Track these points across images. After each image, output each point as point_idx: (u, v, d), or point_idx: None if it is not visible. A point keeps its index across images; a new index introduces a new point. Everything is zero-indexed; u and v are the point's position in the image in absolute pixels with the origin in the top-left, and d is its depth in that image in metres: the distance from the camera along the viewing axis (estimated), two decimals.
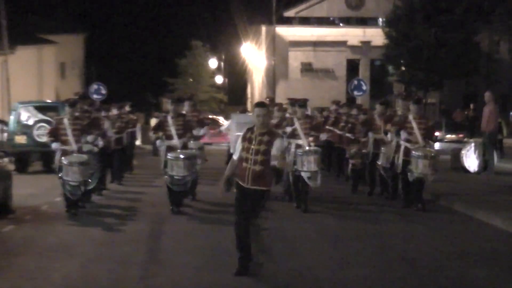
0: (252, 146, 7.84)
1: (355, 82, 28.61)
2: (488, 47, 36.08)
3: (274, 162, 7.74)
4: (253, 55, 51.55)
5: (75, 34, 50.36)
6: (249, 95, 54.95)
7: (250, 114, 17.96)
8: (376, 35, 40.71)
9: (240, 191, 8.19)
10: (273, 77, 45.38)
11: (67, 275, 8.02)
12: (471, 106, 27.34)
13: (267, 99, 21.19)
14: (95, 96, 24.59)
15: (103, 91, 24.74)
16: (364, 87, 28.22)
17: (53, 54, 44.78)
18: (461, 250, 9.54)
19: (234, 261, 8.29)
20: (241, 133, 11.72)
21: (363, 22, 46.46)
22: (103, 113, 16.54)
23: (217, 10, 54.15)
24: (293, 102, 14.27)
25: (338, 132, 18.20)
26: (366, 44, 44.72)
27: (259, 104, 8.09)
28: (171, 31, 57.62)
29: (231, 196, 11.03)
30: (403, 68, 35.22)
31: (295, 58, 47.56)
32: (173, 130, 13.03)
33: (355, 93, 26.68)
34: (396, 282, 7.81)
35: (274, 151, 7.63)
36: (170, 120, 13.20)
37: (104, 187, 15.99)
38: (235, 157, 8.30)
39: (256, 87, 51.25)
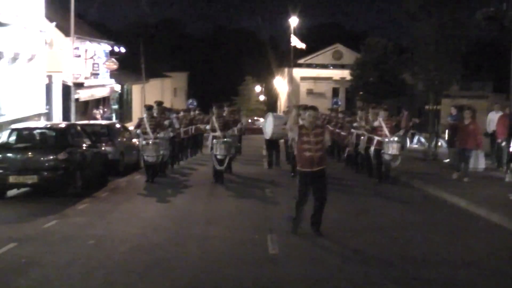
0: (311, 139, 9.36)
1: (335, 100, 39.81)
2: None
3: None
4: (280, 84, 65.79)
5: (182, 72, 66.74)
6: (278, 106, 67.75)
7: (280, 114, 22.04)
8: (348, 75, 52.88)
9: (306, 175, 9.37)
10: (291, 97, 56.78)
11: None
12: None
13: (288, 107, 26.47)
14: (190, 106, 29.18)
15: (195, 103, 30.15)
16: (339, 103, 39.17)
17: (170, 83, 60.61)
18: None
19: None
20: (274, 124, 17.61)
21: (342, 67, 59.42)
22: (174, 115, 20.44)
23: (261, 57, 68.32)
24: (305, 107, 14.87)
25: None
26: (342, 79, 58.06)
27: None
28: (234, 70, 74.43)
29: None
30: (361, 93, 44.92)
31: (303, 87, 62.40)
32: (216, 125, 16.11)
33: (334, 106, 33.23)
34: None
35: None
36: (214, 119, 16.32)
37: (174, 163, 19.50)
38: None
39: (282, 102, 65.18)
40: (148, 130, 16.30)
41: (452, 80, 24.39)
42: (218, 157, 15.93)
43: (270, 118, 19.00)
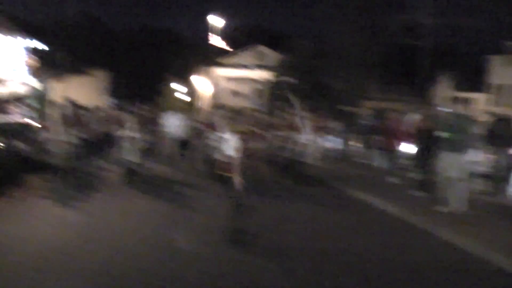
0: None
1: (255, 100, 47.66)
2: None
3: None
4: (204, 83, 64.90)
5: (105, 70, 65.11)
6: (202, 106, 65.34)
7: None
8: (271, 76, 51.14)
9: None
10: (214, 96, 59.35)
11: None
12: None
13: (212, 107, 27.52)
14: (111, 104, 31.85)
15: (116, 102, 34.05)
16: (260, 103, 43.30)
17: (92, 81, 60.42)
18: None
19: None
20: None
21: (264, 67, 58.66)
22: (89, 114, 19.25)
23: (184, 58, 67.87)
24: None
25: None
26: (266, 80, 54.78)
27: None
28: (158, 70, 73.18)
29: None
30: (277, 92, 40.95)
31: (226, 87, 64.04)
32: (130, 125, 15.68)
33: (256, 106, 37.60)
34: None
35: None
36: (127, 117, 15.92)
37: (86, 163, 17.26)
38: None
39: (205, 102, 63.51)
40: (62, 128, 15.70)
41: (369, 84, 24.95)
42: (131, 158, 15.52)
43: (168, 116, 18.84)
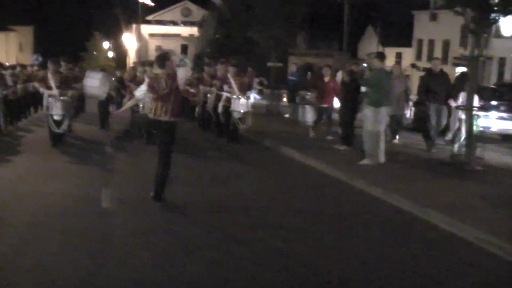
0: None
1: (181, 56, 55.34)
2: None
3: None
4: (129, 41, 64.12)
5: (28, 25, 64.93)
6: (127, 63, 64.08)
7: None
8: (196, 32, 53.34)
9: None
10: (140, 53, 58.14)
11: None
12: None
13: (134, 63, 25.53)
14: (35, 62, 30.18)
15: (40, 59, 31.23)
16: (186, 60, 54.65)
17: (15, 37, 60.33)
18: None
19: None
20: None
21: (191, 23, 59.62)
22: (9, 70, 19.06)
23: (109, 13, 65.17)
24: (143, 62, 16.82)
25: None
26: (191, 36, 57.70)
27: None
28: (82, 25, 71.90)
29: None
30: (208, 50, 42.10)
31: (152, 43, 63.07)
32: (52, 83, 14.43)
33: (181, 63, 47.93)
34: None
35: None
36: (49, 75, 14.59)
37: (8, 124, 17.47)
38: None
39: (131, 59, 61.95)
40: None
41: (294, 39, 25.03)
42: (55, 117, 14.25)
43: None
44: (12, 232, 7.41)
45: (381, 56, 12.72)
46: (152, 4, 51.10)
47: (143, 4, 50.96)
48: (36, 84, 15.77)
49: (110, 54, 75.19)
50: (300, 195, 10.22)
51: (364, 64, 14.89)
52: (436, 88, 14.53)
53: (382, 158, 12.44)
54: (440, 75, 14.97)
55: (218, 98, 16.41)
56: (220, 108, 16.12)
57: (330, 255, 6.93)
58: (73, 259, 6.47)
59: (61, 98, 14.44)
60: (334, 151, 14.36)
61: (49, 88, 14.56)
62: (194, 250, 6.83)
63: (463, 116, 13.13)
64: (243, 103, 15.33)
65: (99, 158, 13.62)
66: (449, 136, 14.87)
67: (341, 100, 15.26)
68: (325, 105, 16.34)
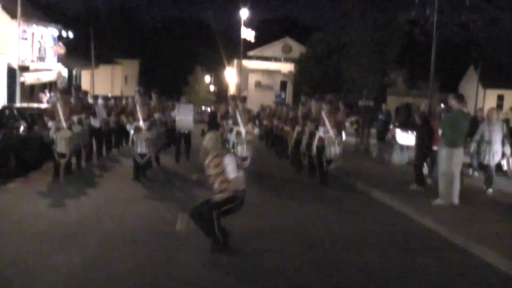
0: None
1: (279, 93, 46.95)
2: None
3: None
4: (230, 75, 66.43)
5: (133, 59, 66.90)
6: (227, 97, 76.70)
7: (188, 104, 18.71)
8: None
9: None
10: (239, 88, 58.80)
11: None
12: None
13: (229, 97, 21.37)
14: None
15: (142, 90, 38.27)
16: (283, 96, 45.99)
17: (120, 70, 62.17)
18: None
19: None
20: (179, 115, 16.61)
21: (291, 60, 59.13)
22: (100, 101, 19.40)
23: (211, 48, 69.90)
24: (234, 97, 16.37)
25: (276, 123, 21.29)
26: (291, 73, 56.32)
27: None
28: (185, 60, 74.78)
29: None
30: (304, 86, 43.98)
31: (252, 78, 64.32)
32: (140, 115, 14.31)
33: (278, 99, 37.91)
34: None
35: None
36: (137, 107, 14.40)
37: (100, 155, 17.93)
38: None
39: (231, 93, 61.34)
40: (62, 117, 14.17)
41: (386, 77, 25.23)
42: (139, 152, 14.27)
43: (177, 108, 18.24)
44: (86, 247, 8.22)
45: (459, 97, 12.73)
46: (253, 40, 52.38)
47: (246, 40, 52.40)
48: (124, 119, 15.56)
49: (211, 88, 77.61)
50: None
51: (442, 105, 14.82)
52: None
53: (456, 199, 12.50)
54: None
55: (311, 137, 15.99)
56: (314, 149, 15.55)
57: None
58: (137, 270, 7.29)
59: (148, 134, 14.40)
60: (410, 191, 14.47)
61: (136, 120, 14.55)
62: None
63: None
64: (335, 147, 15.06)
65: (182, 184, 14.13)
66: None
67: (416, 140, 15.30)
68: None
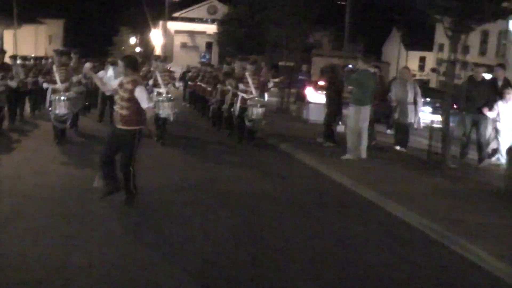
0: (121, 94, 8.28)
1: (202, 54, 46.15)
2: None
3: None
4: (156, 36, 64.90)
5: (58, 18, 64.40)
6: None
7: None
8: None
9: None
10: (165, 49, 59.42)
11: None
12: None
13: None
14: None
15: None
16: (207, 57, 44.84)
17: (44, 30, 59.60)
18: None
19: None
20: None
21: (217, 21, 55.97)
22: (18, 61, 18.28)
23: (137, 8, 66.25)
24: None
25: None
26: (215, 33, 52.87)
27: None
28: (110, 20, 71.08)
29: None
30: (228, 48, 42.87)
31: (177, 40, 64.09)
32: (57, 76, 13.63)
33: (202, 60, 37.85)
34: None
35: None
36: (54, 68, 13.74)
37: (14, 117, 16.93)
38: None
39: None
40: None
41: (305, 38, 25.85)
42: (57, 113, 13.60)
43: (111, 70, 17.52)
44: (8, 203, 8.47)
45: (366, 58, 13.46)
46: (179, 0, 52.01)
47: (170, 1, 52.03)
48: (40, 79, 14.88)
49: (138, 49, 76.48)
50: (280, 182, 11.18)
51: (350, 65, 15.53)
52: (476, 97, 13.61)
53: (363, 154, 13.33)
54: (482, 83, 13.92)
55: (234, 97, 15.82)
56: (237, 110, 15.49)
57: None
58: (52, 225, 7.63)
59: (66, 95, 13.72)
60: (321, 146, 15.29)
61: (53, 82, 13.88)
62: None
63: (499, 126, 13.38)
64: (258, 109, 15.03)
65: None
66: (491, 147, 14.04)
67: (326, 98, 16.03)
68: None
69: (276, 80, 19.11)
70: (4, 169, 10.86)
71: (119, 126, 8.37)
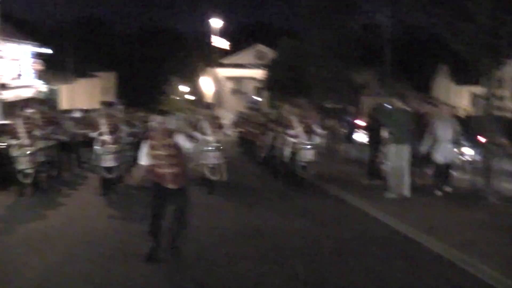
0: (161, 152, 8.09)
1: (249, 99, 48.41)
2: None
3: None
4: (206, 84, 65.87)
5: (110, 71, 67.69)
6: None
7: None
8: None
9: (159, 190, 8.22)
10: (217, 95, 61.05)
11: None
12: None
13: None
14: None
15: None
16: (255, 100, 47.14)
17: (98, 83, 62.66)
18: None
19: None
20: None
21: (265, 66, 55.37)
22: (70, 114, 18.68)
23: (186, 57, 69.79)
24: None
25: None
26: (263, 78, 52.66)
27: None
28: (160, 69, 73.69)
29: None
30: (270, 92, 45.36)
31: (227, 86, 65.07)
32: (104, 129, 13.48)
33: (249, 104, 39.68)
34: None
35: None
36: (103, 120, 13.58)
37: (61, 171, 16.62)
38: None
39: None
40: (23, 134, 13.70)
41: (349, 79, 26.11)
42: (105, 166, 13.42)
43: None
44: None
45: (401, 96, 13.90)
46: (228, 47, 52.95)
47: (219, 48, 52.98)
48: (88, 132, 14.72)
49: (190, 97, 77.49)
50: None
51: (388, 105, 15.70)
52: None
53: (407, 193, 13.47)
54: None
55: (283, 142, 15.68)
56: (286, 155, 15.43)
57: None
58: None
59: (114, 146, 13.56)
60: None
61: (100, 134, 13.66)
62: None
63: None
64: (308, 152, 14.89)
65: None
66: None
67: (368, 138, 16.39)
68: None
69: (325, 132, 19.27)
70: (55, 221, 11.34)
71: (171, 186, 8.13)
